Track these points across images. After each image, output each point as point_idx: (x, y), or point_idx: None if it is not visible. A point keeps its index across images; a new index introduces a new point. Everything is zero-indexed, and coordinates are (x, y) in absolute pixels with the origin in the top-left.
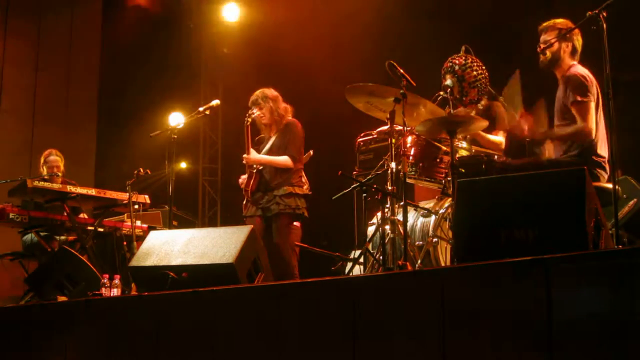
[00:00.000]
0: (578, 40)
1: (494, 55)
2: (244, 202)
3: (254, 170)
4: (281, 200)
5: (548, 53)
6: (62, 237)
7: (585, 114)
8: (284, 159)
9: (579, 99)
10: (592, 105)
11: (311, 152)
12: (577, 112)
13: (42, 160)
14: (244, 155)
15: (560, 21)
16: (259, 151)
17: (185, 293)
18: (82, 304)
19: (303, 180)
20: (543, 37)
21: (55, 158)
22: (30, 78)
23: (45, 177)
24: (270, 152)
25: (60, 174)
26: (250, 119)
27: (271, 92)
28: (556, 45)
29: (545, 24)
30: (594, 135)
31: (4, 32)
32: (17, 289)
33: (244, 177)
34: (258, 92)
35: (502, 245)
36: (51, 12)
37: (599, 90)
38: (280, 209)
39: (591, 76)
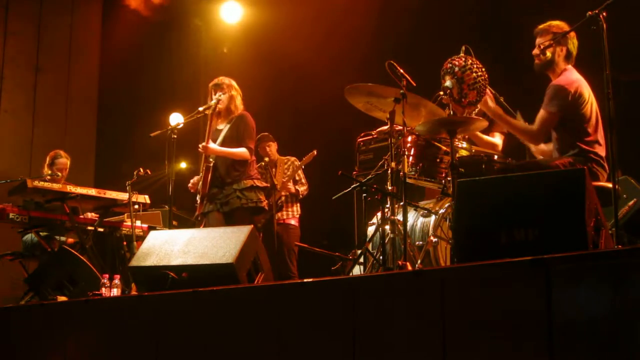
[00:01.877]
0: (573, 44)
1: (494, 55)
2: (199, 200)
3: (211, 164)
4: (242, 194)
5: (542, 56)
6: (62, 238)
7: (542, 123)
8: (241, 151)
9: (547, 108)
10: (554, 118)
11: (315, 151)
12: (540, 118)
13: (48, 161)
14: (203, 144)
15: (555, 24)
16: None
17: (185, 293)
18: (82, 304)
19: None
20: (538, 40)
21: (64, 161)
22: (30, 78)
23: (47, 177)
24: (222, 144)
25: (60, 174)
26: (215, 107)
27: (235, 83)
28: (550, 49)
29: (540, 27)
30: (536, 144)
31: (4, 32)
32: (17, 289)
33: (194, 180)
34: (224, 78)
35: (502, 245)
36: (51, 12)
37: (585, 94)
38: (242, 203)
39: (577, 83)
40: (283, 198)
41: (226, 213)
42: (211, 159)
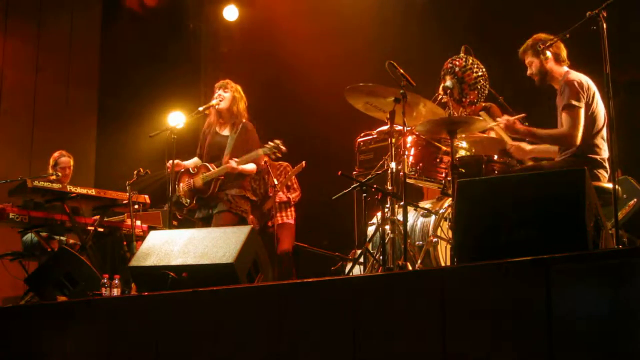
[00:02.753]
0: (557, 47)
1: (494, 55)
2: (195, 201)
3: (222, 178)
4: (232, 199)
5: (535, 72)
6: (63, 238)
7: (574, 120)
8: (252, 168)
9: (571, 102)
10: (582, 111)
11: (304, 163)
12: (567, 118)
13: (51, 162)
14: (234, 163)
15: (535, 37)
16: (219, 145)
17: (185, 293)
18: (82, 304)
19: (252, 185)
20: (526, 61)
21: (67, 159)
22: (30, 78)
23: (51, 177)
24: (232, 155)
25: (60, 174)
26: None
27: (241, 89)
28: (537, 62)
29: (521, 48)
30: (578, 142)
31: (4, 33)
32: (17, 289)
33: (179, 162)
34: (230, 81)
35: (502, 245)
36: (51, 12)
37: (595, 92)
38: (230, 207)
39: (586, 79)
40: (276, 204)
41: (212, 215)
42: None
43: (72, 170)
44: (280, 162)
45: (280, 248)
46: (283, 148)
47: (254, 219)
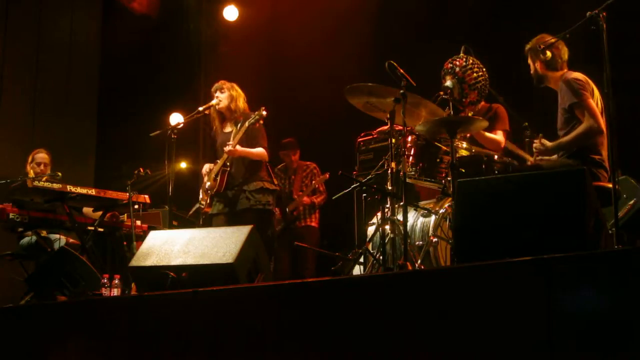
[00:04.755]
0: (550, 52)
1: (494, 55)
2: (208, 200)
3: (227, 169)
4: (251, 195)
5: (532, 73)
6: (63, 238)
7: (588, 111)
8: (260, 151)
9: (577, 100)
10: (592, 102)
11: (327, 174)
12: (582, 112)
13: (29, 159)
14: (230, 147)
15: (536, 38)
16: (222, 145)
17: (185, 293)
18: (82, 304)
19: (271, 174)
20: (528, 61)
21: (44, 155)
22: (30, 78)
23: (56, 176)
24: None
25: (31, 170)
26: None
27: (237, 86)
28: (534, 65)
29: (527, 46)
30: (603, 127)
31: (4, 32)
32: (17, 289)
33: (207, 168)
34: (224, 82)
35: (502, 245)
36: (51, 13)
37: (594, 90)
38: (251, 205)
39: (585, 77)
40: (301, 208)
41: (234, 213)
42: (228, 163)
43: (48, 168)
44: (307, 163)
45: (302, 249)
46: (264, 113)
47: (279, 211)
